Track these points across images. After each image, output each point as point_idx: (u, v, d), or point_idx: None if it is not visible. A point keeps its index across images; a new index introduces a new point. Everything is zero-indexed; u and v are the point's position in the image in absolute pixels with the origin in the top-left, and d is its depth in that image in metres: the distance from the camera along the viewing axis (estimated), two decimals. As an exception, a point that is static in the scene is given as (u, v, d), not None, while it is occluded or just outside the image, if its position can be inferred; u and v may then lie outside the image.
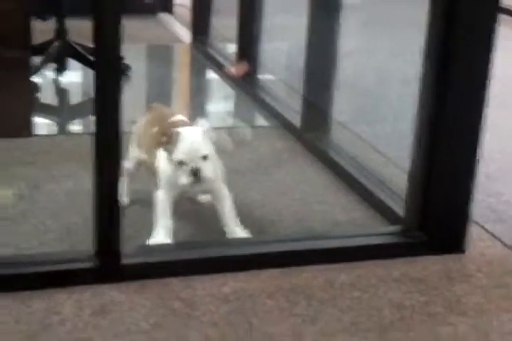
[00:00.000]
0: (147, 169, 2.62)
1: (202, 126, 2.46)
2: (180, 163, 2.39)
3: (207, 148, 2.41)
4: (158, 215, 2.48)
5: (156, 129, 2.53)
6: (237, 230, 2.53)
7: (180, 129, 2.43)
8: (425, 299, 2.28)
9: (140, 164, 2.68)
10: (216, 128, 2.50)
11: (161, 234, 2.46)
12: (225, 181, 2.53)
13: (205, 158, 2.39)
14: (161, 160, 2.49)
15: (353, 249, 2.50)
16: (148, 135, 2.58)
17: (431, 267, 2.45)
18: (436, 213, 2.51)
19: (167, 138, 2.40)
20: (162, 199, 2.48)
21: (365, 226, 2.71)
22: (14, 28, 3.03)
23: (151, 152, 2.54)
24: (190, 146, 2.39)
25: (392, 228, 2.65)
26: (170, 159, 2.43)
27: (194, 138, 2.41)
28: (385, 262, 2.46)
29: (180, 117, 2.62)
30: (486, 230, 2.71)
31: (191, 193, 2.61)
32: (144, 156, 2.62)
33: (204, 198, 2.74)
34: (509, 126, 3.79)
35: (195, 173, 2.38)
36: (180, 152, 2.39)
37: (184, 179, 2.39)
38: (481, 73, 2.37)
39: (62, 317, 2.12)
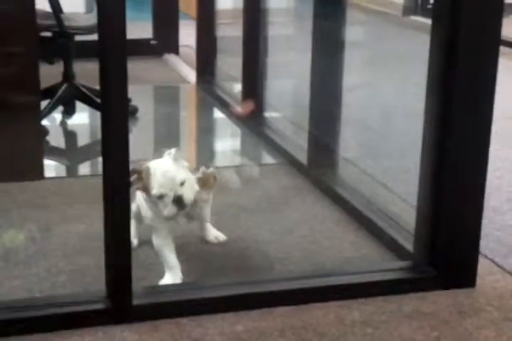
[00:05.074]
0: None
1: (169, 154, 2.44)
2: (161, 197, 2.38)
3: (181, 174, 2.39)
4: (163, 258, 2.50)
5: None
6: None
7: (148, 163, 2.41)
8: (436, 334, 2.28)
9: None
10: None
11: (171, 275, 2.48)
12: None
13: (182, 184, 2.38)
14: (141, 204, 2.50)
15: (363, 285, 2.50)
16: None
17: (441, 302, 2.45)
18: (445, 248, 2.52)
19: (138, 176, 2.38)
20: (159, 243, 2.50)
21: (374, 262, 2.72)
22: (24, 72, 3.07)
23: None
24: (164, 177, 2.37)
25: (401, 263, 2.65)
26: (148, 197, 2.42)
27: (165, 168, 2.39)
28: (395, 298, 2.46)
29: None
30: (496, 263, 2.71)
31: (181, 222, 2.53)
32: None
33: (215, 238, 2.76)
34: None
35: (178, 201, 2.37)
36: (157, 186, 2.37)
37: (169, 210, 2.38)
38: (485, 108, 2.40)
39: (75, 359, 2.13)
